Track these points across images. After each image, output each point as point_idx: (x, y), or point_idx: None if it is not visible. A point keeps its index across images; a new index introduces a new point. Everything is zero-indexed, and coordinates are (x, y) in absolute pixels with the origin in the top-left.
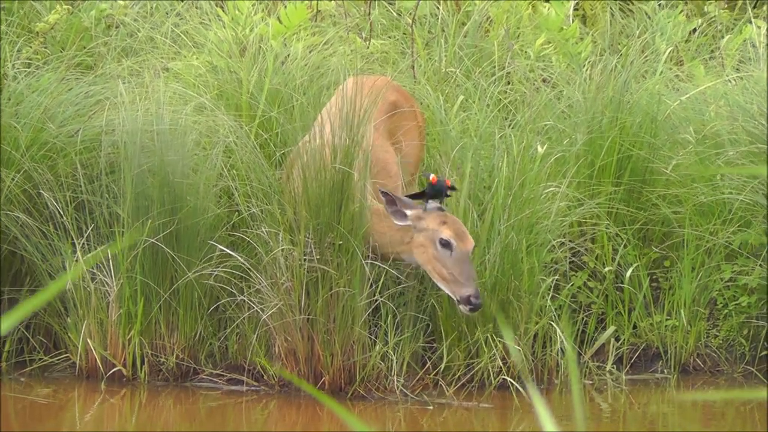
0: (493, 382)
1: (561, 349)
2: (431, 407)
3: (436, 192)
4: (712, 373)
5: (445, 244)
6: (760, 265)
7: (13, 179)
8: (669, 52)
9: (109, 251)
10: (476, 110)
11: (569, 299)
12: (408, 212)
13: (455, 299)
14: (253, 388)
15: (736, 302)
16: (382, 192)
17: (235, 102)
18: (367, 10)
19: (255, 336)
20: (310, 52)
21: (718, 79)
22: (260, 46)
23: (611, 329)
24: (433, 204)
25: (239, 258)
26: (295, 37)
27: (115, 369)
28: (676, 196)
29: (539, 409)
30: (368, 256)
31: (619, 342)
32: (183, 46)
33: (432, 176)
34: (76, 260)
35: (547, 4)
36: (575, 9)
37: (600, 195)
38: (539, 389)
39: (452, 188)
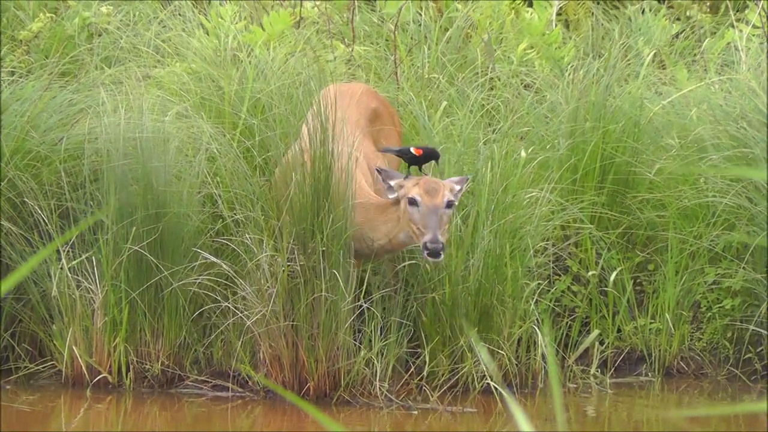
0: (477, 386)
1: (544, 353)
2: (416, 412)
3: (427, 158)
4: (696, 377)
5: (412, 202)
6: (744, 267)
7: None
8: (652, 56)
9: (94, 258)
10: (459, 116)
11: (553, 303)
12: (392, 182)
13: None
14: (238, 393)
15: (720, 305)
16: (377, 169)
17: (218, 109)
18: (349, 17)
19: (240, 342)
20: (292, 56)
21: (701, 82)
22: (242, 54)
23: (595, 333)
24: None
25: (223, 265)
26: (277, 44)
27: (100, 376)
28: (660, 200)
29: (517, 413)
30: (352, 263)
31: (604, 346)
32: (166, 54)
33: (414, 148)
34: (61, 268)
35: (530, 9)
36: (558, 14)
37: (583, 199)
38: (523, 393)
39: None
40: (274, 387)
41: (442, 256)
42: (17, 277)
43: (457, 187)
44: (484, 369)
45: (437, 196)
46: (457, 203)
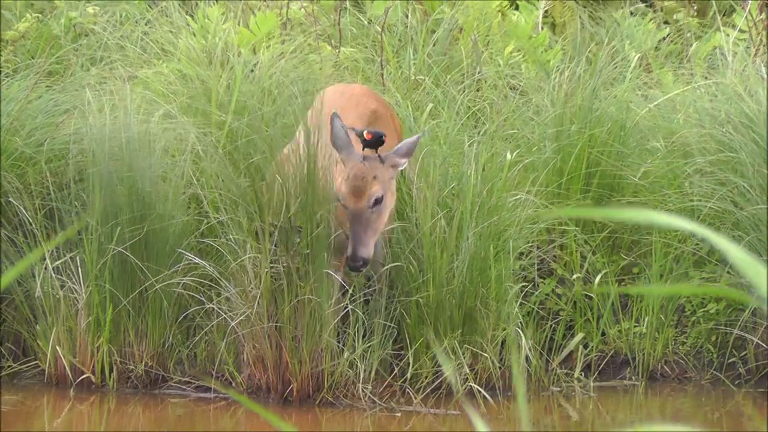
0: (460, 389)
1: (528, 356)
2: (399, 414)
3: (376, 143)
4: (680, 380)
5: (339, 200)
6: (728, 272)
7: None
8: (638, 60)
9: (78, 258)
10: (445, 118)
11: (537, 306)
12: (339, 155)
13: None
14: (221, 395)
15: (705, 309)
16: (334, 115)
17: (204, 110)
18: (336, 18)
19: (224, 343)
20: (280, 58)
21: (687, 86)
22: (229, 55)
23: (579, 336)
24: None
25: (207, 266)
26: (264, 45)
27: (84, 376)
28: (645, 204)
29: (475, 420)
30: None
31: (588, 349)
32: (152, 54)
33: (366, 132)
34: (45, 268)
35: (516, 12)
36: (544, 16)
37: (569, 202)
38: (507, 396)
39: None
40: (233, 394)
41: (365, 270)
42: (10, 277)
43: (402, 161)
44: (479, 366)
45: (362, 197)
46: (404, 168)
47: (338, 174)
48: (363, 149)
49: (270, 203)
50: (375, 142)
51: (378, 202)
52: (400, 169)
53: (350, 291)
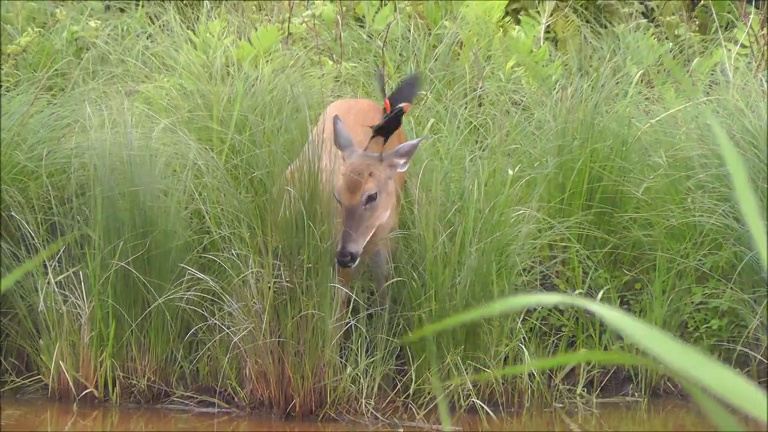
0: (462, 405)
1: (531, 372)
2: (401, 430)
3: (387, 121)
4: (682, 396)
5: (335, 196)
6: (731, 287)
7: None
8: (640, 75)
9: (81, 273)
10: (446, 133)
11: (540, 322)
12: (342, 152)
13: None
14: (223, 410)
15: (707, 325)
16: (335, 118)
17: (206, 125)
18: (338, 33)
19: (226, 359)
20: (282, 72)
21: (689, 102)
22: (230, 69)
23: (582, 352)
24: (356, 150)
25: (210, 281)
26: (266, 60)
27: (87, 391)
28: (647, 219)
29: None
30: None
31: (590, 365)
32: (153, 68)
33: (386, 99)
34: (48, 282)
35: (517, 27)
36: (547, 32)
37: (571, 218)
38: (510, 412)
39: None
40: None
41: (353, 265)
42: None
43: (401, 161)
44: (481, 381)
45: (356, 192)
46: (405, 168)
47: (339, 172)
48: (371, 137)
49: (275, 220)
50: (393, 118)
51: (371, 199)
52: (399, 171)
53: (352, 304)
